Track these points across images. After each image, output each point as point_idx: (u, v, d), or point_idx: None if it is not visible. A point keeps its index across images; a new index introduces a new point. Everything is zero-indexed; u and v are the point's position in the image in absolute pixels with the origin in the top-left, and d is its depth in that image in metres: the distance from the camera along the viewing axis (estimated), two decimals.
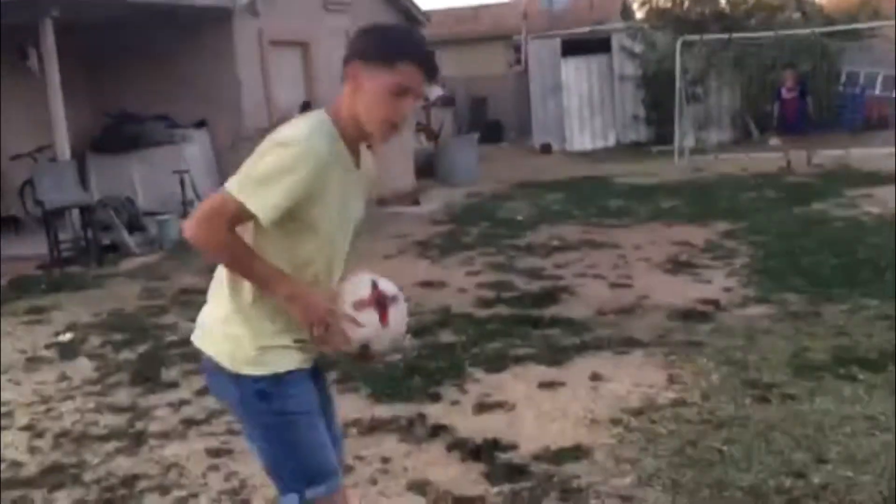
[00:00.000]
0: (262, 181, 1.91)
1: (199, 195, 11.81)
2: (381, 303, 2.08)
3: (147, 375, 4.91)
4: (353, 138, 2.05)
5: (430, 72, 1.99)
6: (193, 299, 6.65)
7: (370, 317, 2.07)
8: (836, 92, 15.59)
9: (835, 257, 6.61)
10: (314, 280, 2.07)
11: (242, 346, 2.03)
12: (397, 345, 2.23)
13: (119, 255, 8.83)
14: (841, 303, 5.40)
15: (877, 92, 16.54)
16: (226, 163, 12.38)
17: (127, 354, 5.40)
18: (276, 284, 2.00)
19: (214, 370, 2.08)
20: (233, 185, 1.95)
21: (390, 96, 1.96)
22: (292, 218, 1.96)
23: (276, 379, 2.03)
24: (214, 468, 3.66)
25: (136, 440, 4.00)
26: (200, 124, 12.24)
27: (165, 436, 4.04)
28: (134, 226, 9.38)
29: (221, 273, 2.11)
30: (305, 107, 13.04)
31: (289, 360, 2.05)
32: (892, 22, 18.71)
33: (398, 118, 1.99)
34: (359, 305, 2.07)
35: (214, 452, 3.81)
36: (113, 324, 6.14)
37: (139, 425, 4.19)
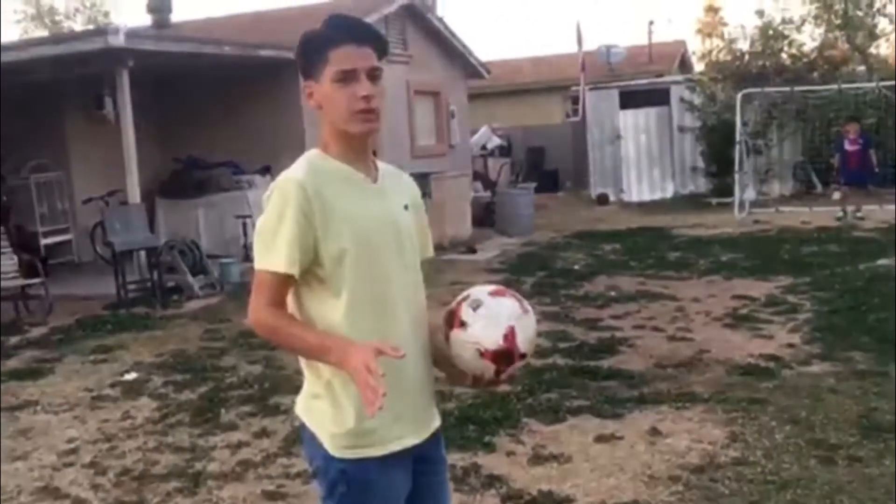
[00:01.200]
0: (266, 236, 1.86)
1: None
2: (509, 354, 1.89)
3: (206, 416, 5.00)
4: (350, 151, 1.95)
5: (359, 38, 1.88)
6: (252, 342, 6.77)
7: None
8: None
9: None
10: (387, 320, 1.90)
11: (325, 424, 1.91)
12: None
13: (183, 296, 9.04)
14: None
15: None
16: None
17: (188, 395, 5.50)
18: (325, 352, 1.82)
19: (310, 436, 1.95)
20: (257, 258, 1.89)
21: (338, 87, 1.87)
22: (320, 263, 1.85)
23: (360, 464, 1.88)
24: None
25: (195, 480, 4.06)
26: (265, 171, 12.56)
27: (224, 477, 4.10)
28: (197, 268, 9.61)
29: None
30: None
31: (377, 444, 1.89)
32: None
33: (359, 102, 1.88)
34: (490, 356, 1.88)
35: (270, 496, 3.85)
36: (175, 364, 6.28)
37: (198, 465, 4.26)
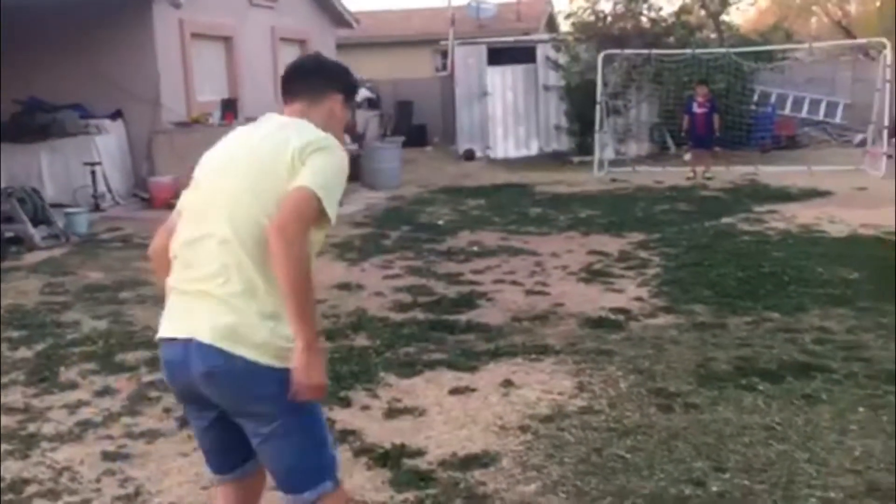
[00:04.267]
0: (335, 184, 2.19)
1: (111, 188, 11.44)
2: None
3: (43, 375, 4.70)
4: None
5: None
6: (99, 296, 6.42)
7: None
8: (748, 111, 16.14)
9: (741, 270, 6.83)
10: None
11: (282, 339, 2.13)
12: None
13: (23, 248, 8.45)
14: (745, 315, 5.58)
15: (787, 112, 17.24)
16: (139, 156, 12.03)
17: (24, 352, 5.16)
18: (311, 322, 2.12)
19: (248, 370, 2.11)
20: (317, 186, 2.13)
21: (344, 122, 2.48)
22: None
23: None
24: (110, 473, 3.52)
25: (27, 443, 3.82)
26: (116, 115, 11.86)
27: (60, 438, 3.87)
28: (39, 218, 8.99)
29: (251, 272, 2.14)
30: (228, 104, 12.77)
31: None
32: (804, 45, 19.52)
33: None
34: None
35: (111, 456, 3.67)
36: (11, 320, 5.86)
37: (31, 427, 4.00)
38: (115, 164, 11.64)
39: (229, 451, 2.35)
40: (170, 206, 9.26)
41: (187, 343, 2.15)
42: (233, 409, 2.21)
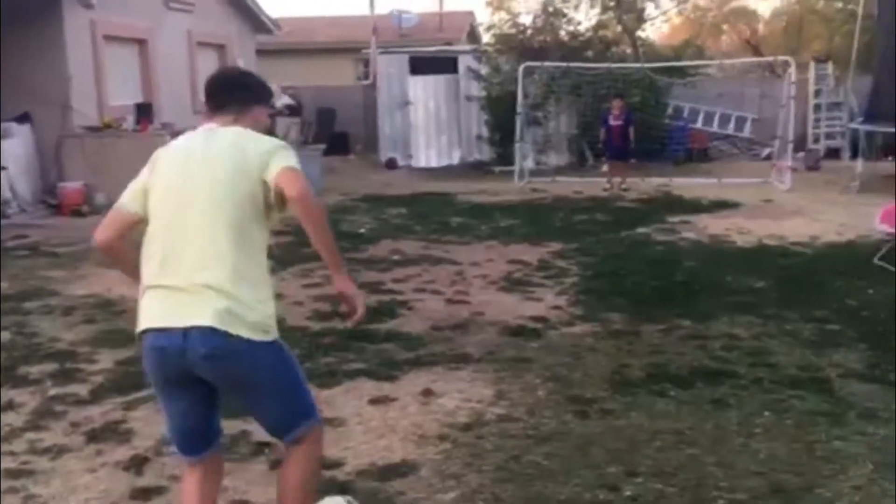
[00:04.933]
0: (292, 151, 2.64)
1: (17, 194, 10.99)
2: None
3: None
4: None
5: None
6: (2, 306, 6.15)
7: None
8: (662, 124, 16.62)
9: (655, 279, 7.02)
10: None
11: (271, 316, 2.55)
12: None
13: None
14: (658, 322, 5.73)
15: (699, 126, 17.83)
16: (48, 161, 11.60)
17: None
18: (339, 254, 2.65)
19: (247, 347, 2.47)
20: (293, 163, 2.56)
21: (265, 126, 2.82)
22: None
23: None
24: (12, 490, 3.38)
25: None
26: (23, 118, 11.40)
27: None
28: None
29: (237, 261, 2.48)
30: (142, 109, 12.44)
31: None
32: (715, 62, 20.24)
33: None
34: None
35: (14, 474, 3.52)
36: None
37: None
38: (22, 169, 11.18)
39: (201, 435, 2.68)
40: (78, 213, 9.03)
41: (186, 331, 2.44)
42: (229, 383, 2.57)
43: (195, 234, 2.50)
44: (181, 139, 2.75)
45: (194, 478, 2.72)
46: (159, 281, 2.51)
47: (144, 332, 2.52)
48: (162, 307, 2.50)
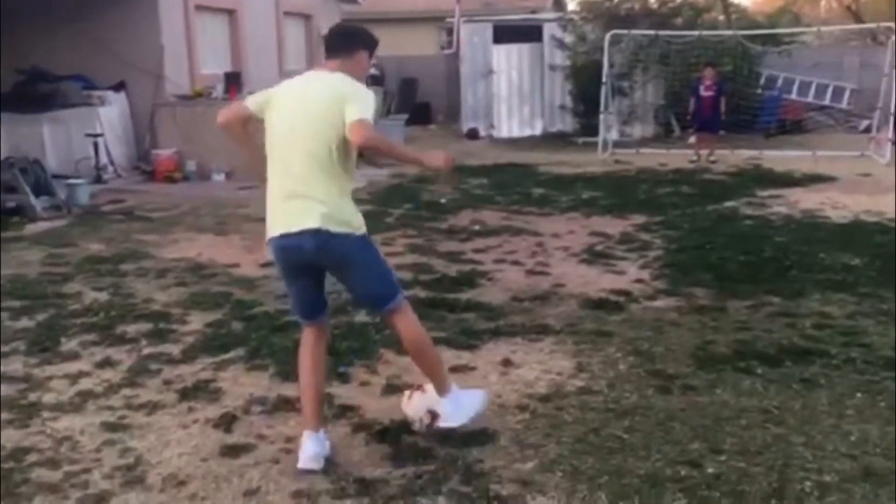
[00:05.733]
0: (370, 108, 3.19)
1: (113, 161, 11.42)
2: None
3: (44, 345, 4.72)
4: None
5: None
6: (99, 268, 6.43)
7: None
8: (754, 94, 16.04)
9: (742, 254, 6.82)
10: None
11: (356, 216, 3.31)
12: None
13: (24, 219, 8.45)
14: (745, 299, 5.58)
15: (793, 96, 17.14)
16: (142, 128, 11.99)
17: (25, 322, 5.18)
18: (412, 153, 3.51)
19: (344, 239, 3.24)
20: (364, 114, 3.14)
21: (368, 70, 3.53)
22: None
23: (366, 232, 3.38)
24: (110, 443, 3.54)
25: (28, 412, 3.84)
26: (119, 87, 11.80)
27: (60, 408, 3.89)
28: (41, 189, 8.98)
29: (328, 175, 3.22)
30: (231, 78, 12.70)
31: None
32: (813, 29, 19.37)
33: None
34: None
35: (111, 427, 3.69)
36: (12, 290, 5.87)
37: (32, 397, 4.03)
38: (118, 135, 11.61)
39: (314, 304, 3.47)
40: (171, 180, 9.31)
41: (300, 234, 3.21)
42: (334, 266, 3.36)
43: (301, 157, 3.22)
44: (297, 78, 3.43)
45: (310, 335, 3.47)
46: (279, 191, 3.29)
47: (271, 239, 3.32)
48: (282, 216, 3.27)
